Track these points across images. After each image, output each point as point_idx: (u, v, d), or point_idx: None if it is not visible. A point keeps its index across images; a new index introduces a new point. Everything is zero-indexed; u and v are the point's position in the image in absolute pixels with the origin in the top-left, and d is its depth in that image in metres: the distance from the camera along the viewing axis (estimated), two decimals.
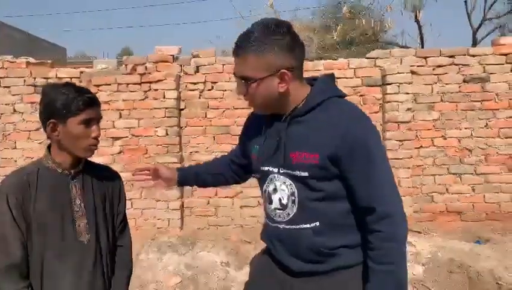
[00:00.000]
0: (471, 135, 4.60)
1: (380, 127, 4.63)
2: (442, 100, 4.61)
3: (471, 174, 4.61)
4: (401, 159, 4.51)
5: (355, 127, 1.34)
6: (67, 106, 1.44)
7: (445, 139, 4.61)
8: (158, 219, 4.67)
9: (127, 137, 4.71)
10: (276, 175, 1.44)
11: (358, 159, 1.32)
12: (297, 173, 1.37)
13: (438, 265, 3.83)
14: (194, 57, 4.72)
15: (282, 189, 1.42)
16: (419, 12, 10.54)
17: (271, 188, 1.46)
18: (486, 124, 4.59)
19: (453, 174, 4.62)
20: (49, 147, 1.56)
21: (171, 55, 4.69)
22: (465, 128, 4.60)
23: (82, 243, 1.53)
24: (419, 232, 4.48)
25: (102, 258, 1.59)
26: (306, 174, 1.36)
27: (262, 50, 1.33)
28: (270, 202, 1.47)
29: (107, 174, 1.69)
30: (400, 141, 4.52)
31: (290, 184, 1.41)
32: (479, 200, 4.62)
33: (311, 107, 1.40)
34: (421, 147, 4.61)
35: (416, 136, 4.60)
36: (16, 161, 4.66)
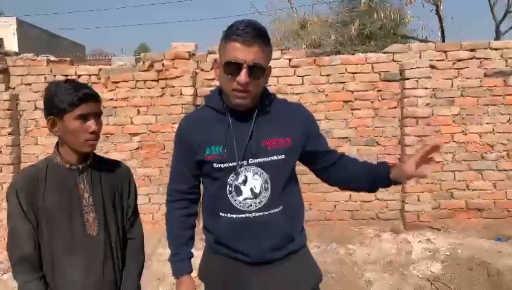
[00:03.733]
0: (493, 130, 4.50)
1: (398, 123, 4.57)
2: (462, 95, 4.51)
3: (493, 170, 4.52)
4: None
5: (307, 112, 1.68)
6: (63, 102, 1.48)
7: (465, 134, 4.52)
8: None
9: (144, 133, 4.77)
10: (245, 167, 1.51)
11: (316, 131, 1.68)
12: (274, 157, 1.51)
13: (457, 262, 3.77)
14: (210, 53, 4.74)
15: (255, 179, 1.52)
16: (440, 4, 10.32)
17: (239, 180, 1.52)
18: (509, 119, 4.49)
19: (474, 170, 4.54)
20: (57, 144, 1.60)
21: (188, 52, 4.71)
22: (487, 123, 4.50)
23: (91, 236, 1.56)
24: (438, 229, 4.41)
25: (113, 251, 1.61)
26: (283, 157, 1.53)
27: (270, 43, 1.48)
28: (239, 194, 1.52)
29: (116, 169, 1.70)
30: (419, 136, 4.45)
31: (262, 173, 1.52)
32: (500, 197, 4.52)
33: (269, 103, 1.59)
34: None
35: (436, 131, 4.52)
36: (37, 157, 4.77)
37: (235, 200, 1.52)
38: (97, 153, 1.71)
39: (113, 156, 4.60)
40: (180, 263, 1.66)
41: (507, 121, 4.48)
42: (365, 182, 1.61)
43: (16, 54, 5.12)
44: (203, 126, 1.58)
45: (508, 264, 3.61)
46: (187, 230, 1.70)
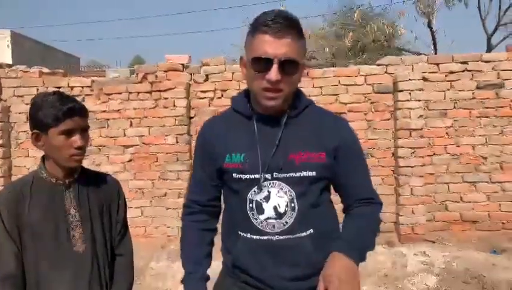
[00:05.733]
0: (486, 142, 4.51)
1: (392, 135, 4.58)
2: (455, 107, 4.53)
3: (486, 182, 4.52)
4: (413, 167, 4.43)
5: (348, 128, 1.43)
6: (47, 116, 1.43)
7: (458, 146, 4.53)
8: (168, 227, 4.67)
9: (137, 145, 4.74)
10: (269, 182, 1.31)
11: (354, 156, 1.41)
12: (303, 173, 1.30)
13: (452, 276, 3.74)
14: (203, 65, 4.74)
15: (280, 196, 1.31)
16: (432, 18, 10.45)
17: (261, 196, 1.32)
18: (502, 131, 4.50)
19: (468, 182, 4.53)
20: (43, 158, 1.56)
21: (181, 64, 4.72)
22: (480, 135, 4.52)
23: (77, 253, 1.51)
24: (433, 242, 4.39)
25: (100, 268, 1.56)
26: (313, 174, 1.31)
27: (303, 36, 1.29)
28: (260, 212, 1.32)
29: (104, 182, 1.66)
30: (412, 148, 4.45)
31: (289, 190, 1.31)
32: (494, 209, 4.52)
33: (302, 109, 1.38)
34: (434, 154, 4.53)
35: (429, 143, 4.52)
36: (28, 169, 4.72)
37: (256, 219, 1.32)
38: (87, 166, 1.67)
39: (106, 168, 4.56)
40: (192, 284, 1.44)
41: (499, 133, 4.50)
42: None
43: (9, 66, 5.09)
44: (225, 131, 1.40)
45: (503, 277, 3.59)
46: (203, 247, 1.49)
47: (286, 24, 1.23)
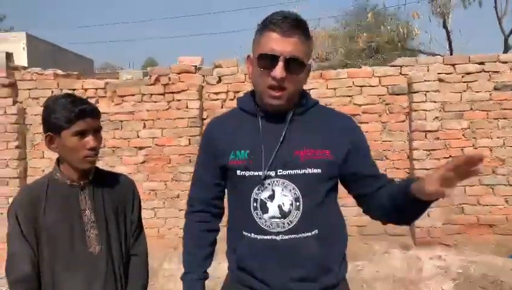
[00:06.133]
0: (504, 144, 4.42)
1: (407, 136, 4.51)
2: (471, 109, 4.45)
3: (504, 185, 4.42)
4: (428, 169, 4.36)
5: (357, 128, 1.43)
6: (60, 118, 1.44)
7: (475, 148, 4.44)
8: (181, 228, 4.65)
9: (150, 147, 4.76)
10: (273, 180, 1.29)
11: (362, 149, 1.41)
12: (307, 170, 1.29)
13: (469, 280, 3.66)
14: (216, 67, 4.74)
15: (284, 194, 1.29)
16: (447, 18, 10.32)
17: (265, 195, 1.30)
18: None
19: (485, 185, 4.44)
20: (58, 160, 1.57)
21: (194, 66, 4.72)
22: (497, 137, 4.42)
23: (92, 254, 1.52)
24: (450, 246, 4.31)
25: (115, 268, 1.57)
26: (319, 171, 1.30)
27: (311, 38, 1.31)
28: (265, 211, 1.29)
29: (119, 183, 1.66)
30: (428, 150, 4.38)
31: (293, 188, 1.29)
32: None
33: (308, 108, 1.39)
34: (450, 156, 4.45)
35: (445, 145, 4.45)
36: (43, 171, 4.76)
37: (260, 219, 1.30)
38: (101, 167, 1.68)
39: (119, 169, 4.59)
40: (190, 284, 1.45)
41: None
42: (393, 211, 1.29)
43: (24, 68, 5.16)
44: (230, 128, 1.40)
45: None
46: (204, 247, 1.49)
47: (294, 24, 1.25)
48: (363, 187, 1.38)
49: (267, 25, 1.27)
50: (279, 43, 1.24)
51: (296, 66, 1.26)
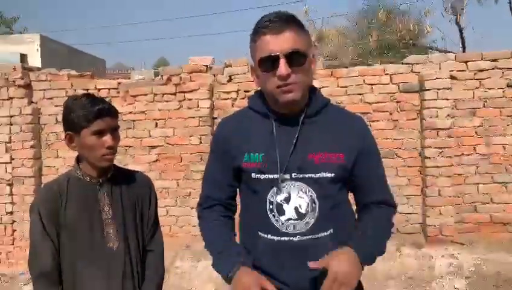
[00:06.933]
0: None
1: (418, 134, 4.49)
2: (484, 106, 4.41)
3: None
4: (440, 167, 4.33)
5: (368, 129, 1.45)
6: (79, 118, 1.49)
7: (488, 146, 4.40)
8: (193, 226, 4.71)
9: (162, 146, 4.81)
10: (288, 183, 1.31)
11: (374, 158, 1.43)
12: (322, 174, 1.31)
13: (483, 279, 3.64)
14: (226, 66, 4.77)
15: (300, 197, 1.31)
16: (459, 15, 10.20)
17: (281, 197, 1.31)
18: None
19: (498, 183, 4.40)
20: (78, 158, 1.62)
21: (205, 65, 4.76)
22: (511, 134, 4.37)
23: (111, 250, 1.56)
24: (462, 244, 4.28)
25: (132, 264, 1.61)
26: (332, 174, 1.31)
27: (305, 29, 1.31)
28: (281, 213, 1.31)
29: (136, 180, 1.71)
30: (440, 148, 4.35)
31: (309, 190, 1.31)
32: None
33: (320, 108, 1.38)
34: (463, 154, 4.42)
35: (458, 143, 4.41)
36: (57, 169, 4.85)
37: (277, 221, 1.32)
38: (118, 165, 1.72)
39: (131, 168, 4.63)
40: (228, 259, 1.34)
41: None
42: None
43: (39, 69, 5.25)
44: (243, 129, 1.40)
45: None
46: (228, 231, 1.45)
47: (283, 21, 1.26)
48: (356, 192, 1.45)
49: (258, 30, 1.28)
50: (274, 43, 1.24)
51: (298, 58, 1.26)
